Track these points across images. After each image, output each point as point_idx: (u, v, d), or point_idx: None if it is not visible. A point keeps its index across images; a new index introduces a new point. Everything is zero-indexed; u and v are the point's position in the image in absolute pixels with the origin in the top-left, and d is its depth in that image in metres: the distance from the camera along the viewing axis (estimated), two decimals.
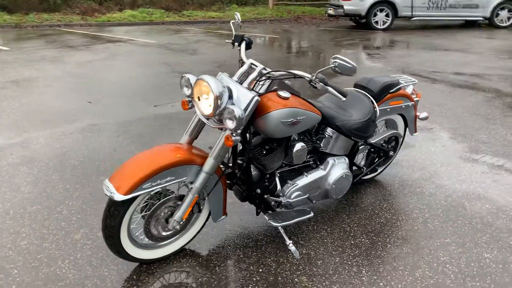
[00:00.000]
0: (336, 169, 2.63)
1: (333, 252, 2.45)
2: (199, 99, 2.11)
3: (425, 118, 3.23)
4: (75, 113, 4.80)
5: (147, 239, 2.29)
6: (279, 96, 2.23)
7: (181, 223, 2.24)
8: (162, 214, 2.25)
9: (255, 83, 2.21)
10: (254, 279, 2.23)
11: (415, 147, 3.86)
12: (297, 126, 2.28)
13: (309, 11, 15.23)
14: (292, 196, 2.48)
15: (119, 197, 1.98)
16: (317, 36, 10.92)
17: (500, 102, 5.27)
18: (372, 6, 11.34)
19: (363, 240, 2.56)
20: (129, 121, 4.53)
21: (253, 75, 2.18)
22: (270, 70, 2.21)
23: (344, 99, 2.06)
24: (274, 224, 2.34)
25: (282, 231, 2.49)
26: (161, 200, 2.21)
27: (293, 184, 2.49)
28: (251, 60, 2.27)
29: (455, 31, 11.74)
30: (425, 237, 2.58)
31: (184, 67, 7.17)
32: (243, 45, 2.45)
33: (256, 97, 2.10)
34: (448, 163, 3.57)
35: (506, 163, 3.55)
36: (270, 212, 2.47)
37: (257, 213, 2.59)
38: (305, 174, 2.57)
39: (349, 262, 2.36)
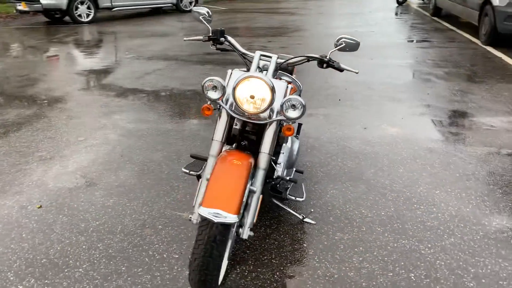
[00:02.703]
0: (295, 142, 2.96)
1: (329, 207, 2.84)
2: (252, 98, 2.05)
3: None
4: None
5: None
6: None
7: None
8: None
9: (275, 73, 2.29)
10: (317, 258, 2.41)
11: None
12: None
13: None
14: (285, 174, 2.68)
15: (234, 218, 1.80)
16: (25, 36, 9.61)
17: None
18: None
19: (335, 192, 3.04)
20: None
21: (272, 65, 2.25)
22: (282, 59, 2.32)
23: (357, 71, 2.44)
24: (301, 199, 2.53)
25: (287, 208, 2.70)
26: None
27: (281, 164, 2.68)
28: (260, 52, 2.30)
29: (157, 17, 12.55)
30: (361, 174, 3.28)
31: None
32: (232, 39, 2.40)
33: (290, 85, 2.22)
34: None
35: (330, 112, 4.63)
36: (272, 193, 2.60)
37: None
38: (282, 152, 2.79)
39: (355, 212, 2.82)
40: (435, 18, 11.06)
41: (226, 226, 1.85)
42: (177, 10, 13.53)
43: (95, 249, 2.45)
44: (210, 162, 2.16)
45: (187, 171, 2.60)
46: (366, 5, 13.96)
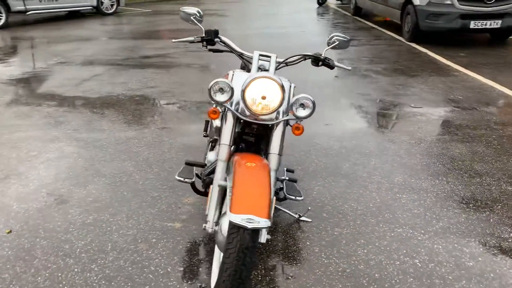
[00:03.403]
0: None
1: (319, 203, 2.88)
2: (264, 98, 2.00)
3: None
4: None
5: None
6: None
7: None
8: None
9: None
10: (324, 255, 2.42)
11: None
12: None
13: None
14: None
15: (266, 222, 1.75)
16: None
17: (209, 71, 6.35)
18: None
19: (320, 188, 3.08)
20: None
21: (273, 65, 2.23)
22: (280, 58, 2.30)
23: (350, 68, 2.48)
24: (300, 198, 2.52)
25: (282, 208, 2.70)
26: None
27: None
28: (258, 52, 2.26)
29: (76, 21, 11.83)
30: (338, 168, 3.36)
31: None
32: (227, 39, 2.33)
33: (293, 84, 2.21)
34: None
35: None
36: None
37: None
38: None
39: (345, 207, 2.88)
40: (356, 18, 11.64)
41: (257, 232, 1.79)
42: (97, 13, 12.89)
43: (90, 271, 2.25)
44: (220, 167, 2.08)
45: (182, 178, 2.49)
46: (286, 6, 14.29)
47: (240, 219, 1.71)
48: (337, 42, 2.37)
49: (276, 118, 2.10)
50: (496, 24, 7.51)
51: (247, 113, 2.06)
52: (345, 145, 3.78)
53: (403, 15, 8.47)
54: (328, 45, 2.38)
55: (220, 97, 2.03)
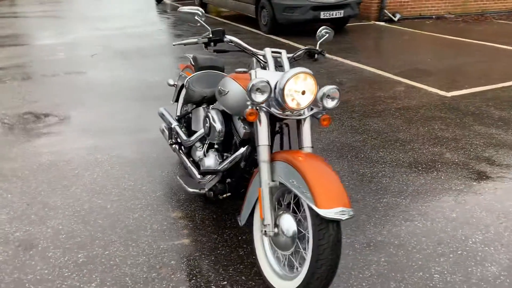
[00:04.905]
0: None
1: None
2: (303, 94, 2.02)
3: None
4: None
5: None
6: None
7: None
8: None
9: None
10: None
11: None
12: None
13: None
14: None
15: (352, 211, 1.82)
16: None
17: (81, 78, 5.82)
18: None
19: None
20: None
21: (286, 60, 2.25)
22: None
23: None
24: None
25: None
26: None
27: None
28: (269, 49, 2.24)
29: None
30: None
31: None
32: (235, 38, 2.24)
33: None
34: None
35: None
36: None
37: None
38: None
39: None
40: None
41: (339, 223, 1.83)
42: None
43: None
44: (265, 168, 2.03)
45: (197, 190, 2.38)
46: (122, 7, 13.59)
47: (333, 213, 1.74)
48: (326, 36, 2.49)
49: (304, 112, 2.14)
50: (340, 14, 8.53)
51: (278, 110, 2.06)
52: None
53: (258, 9, 8.96)
54: (320, 38, 2.48)
55: (259, 97, 1.98)
